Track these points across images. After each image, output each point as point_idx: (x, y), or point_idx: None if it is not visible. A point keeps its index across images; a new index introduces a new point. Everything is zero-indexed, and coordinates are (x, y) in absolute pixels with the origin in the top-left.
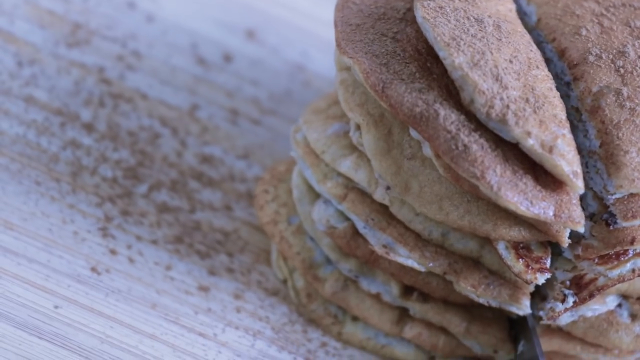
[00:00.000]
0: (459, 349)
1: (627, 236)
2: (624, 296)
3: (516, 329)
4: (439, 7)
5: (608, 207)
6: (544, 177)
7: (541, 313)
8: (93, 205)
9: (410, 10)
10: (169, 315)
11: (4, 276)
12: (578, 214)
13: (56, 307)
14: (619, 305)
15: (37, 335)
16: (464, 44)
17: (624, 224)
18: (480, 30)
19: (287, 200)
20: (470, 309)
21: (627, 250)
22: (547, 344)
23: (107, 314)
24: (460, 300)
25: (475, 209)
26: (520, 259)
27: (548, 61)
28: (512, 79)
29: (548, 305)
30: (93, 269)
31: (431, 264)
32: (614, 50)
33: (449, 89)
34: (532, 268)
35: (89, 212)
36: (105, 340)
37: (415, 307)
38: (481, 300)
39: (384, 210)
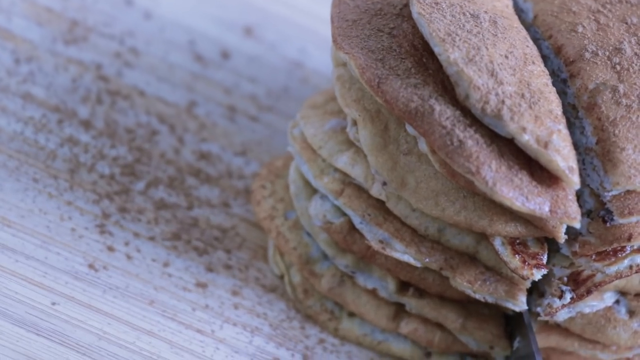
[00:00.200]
0: (455, 345)
1: (624, 233)
2: (622, 292)
3: (512, 325)
4: (434, 3)
5: (605, 204)
6: (540, 172)
7: (539, 309)
8: (91, 202)
9: (406, 6)
10: (166, 312)
11: (1, 273)
12: (574, 209)
13: (54, 303)
14: (617, 302)
15: (35, 332)
16: (460, 39)
17: (621, 220)
18: (476, 25)
19: (284, 196)
20: (466, 305)
21: (625, 246)
22: (545, 340)
23: (105, 311)
24: (457, 296)
25: (472, 204)
26: (516, 255)
27: (544, 58)
28: (507, 74)
29: (545, 302)
30: (91, 266)
31: (427, 260)
32: (611, 47)
33: (445, 85)
34: (529, 264)
35: (87, 209)
36: (102, 336)
37: (411, 302)
38: (477, 296)
39: (380, 205)
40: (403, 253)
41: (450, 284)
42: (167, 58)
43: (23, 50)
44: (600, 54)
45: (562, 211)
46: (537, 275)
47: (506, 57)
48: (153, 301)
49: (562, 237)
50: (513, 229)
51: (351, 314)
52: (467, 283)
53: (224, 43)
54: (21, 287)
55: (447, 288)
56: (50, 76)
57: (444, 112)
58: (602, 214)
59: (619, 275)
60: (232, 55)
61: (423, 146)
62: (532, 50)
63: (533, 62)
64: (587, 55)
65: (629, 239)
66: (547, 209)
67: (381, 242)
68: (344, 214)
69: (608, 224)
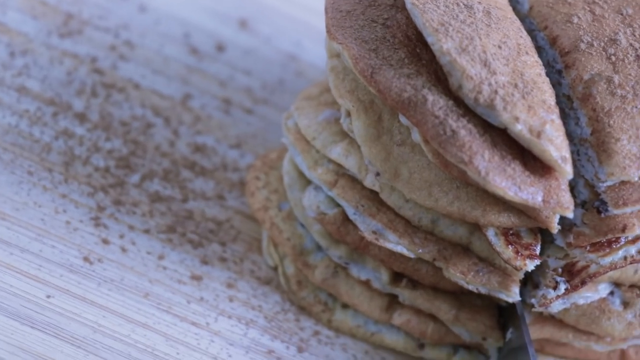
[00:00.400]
0: (448, 336)
1: (618, 224)
2: (616, 284)
3: (505, 316)
4: None
5: (599, 194)
6: (533, 162)
7: (533, 300)
8: (85, 195)
9: None
10: (161, 305)
11: None
12: (567, 199)
13: (48, 296)
14: (611, 293)
15: (30, 324)
16: (453, 29)
17: (615, 211)
18: (469, 16)
19: (278, 187)
20: (459, 296)
21: (619, 237)
22: (539, 331)
23: (100, 304)
24: (450, 287)
25: (465, 195)
26: (509, 246)
27: (540, 49)
28: (500, 64)
29: (540, 293)
30: (85, 259)
31: (420, 250)
32: (606, 38)
33: (438, 75)
34: (522, 254)
35: (82, 201)
36: (97, 329)
37: (404, 293)
38: (470, 287)
39: (374, 196)
40: (396, 244)
41: (443, 275)
42: (162, 51)
43: (18, 43)
44: (595, 44)
45: (555, 201)
46: (530, 265)
47: (499, 47)
48: (148, 294)
49: (555, 228)
50: (506, 219)
51: (344, 306)
52: (460, 274)
53: (219, 36)
54: (16, 280)
55: (441, 279)
56: (45, 69)
57: (436, 102)
58: (597, 205)
59: (613, 266)
60: (227, 48)
61: (416, 136)
62: (526, 40)
63: (527, 53)
64: (583, 46)
65: (624, 229)
66: (540, 198)
67: (374, 232)
68: (338, 205)
69: (602, 215)
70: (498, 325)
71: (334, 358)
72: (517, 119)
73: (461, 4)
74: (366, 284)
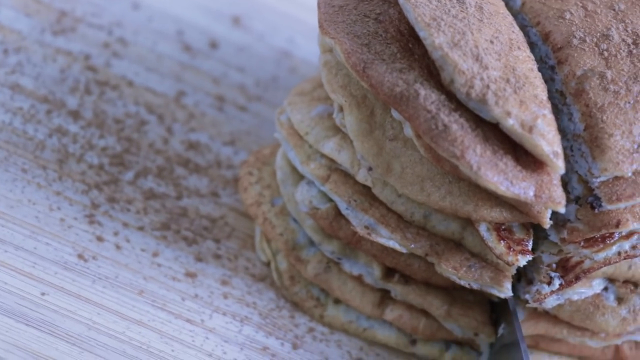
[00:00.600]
0: (440, 332)
1: (612, 219)
2: (610, 279)
3: (497, 312)
4: None
5: (593, 190)
6: (525, 157)
7: (527, 296)
8: (79, 192)
9: None
10: (156, 302)
11: None
12: (559, 194)
13: (43, 294)
14: (605, 289)
15: (25, 322)
16: (445, 24)
17: (609, 207)
18: (461, 11)
19: (270, 183)
20: (451, 292)
21: (613, 233)
22: (534, 327)
23: (94, 301)
24: (442, 282)
25: (457, 190)
26: (501, 241)
27: (532, 45)
28: (492, 59)
29: (534, 288)
30: (80, 256)
31: (413, 246)
32: (598, 34)
33: (430, 70)
34: (514, 250)
35: (76, 199)
36: (92, 327)
37: (396, 289)
38: (462, 283)
39: (366, 191)
40: (388, 239)
41: (435, 271)
42: (156, 48)
43: (11, 41)
44: (588, 40)
45: (547, 196)
46: (522, 261)
47: (491, 42)
48: (142, 291)
49: (547, 223)
50: (498, 214)
51: (337, 301)
52: (452, 269)
53: (212, 33)
54: (10, 278)
55: (433, 274)
56: (38, 67)
57: (429, 97)
58: (591, 201)
59: (607, 262)
60: (221, 45)
61: (408, 131)
62: (518, 36)
63: (519, 48)
64: (575, 41)
65: (617, 225)
66: (531, 193)
67: (367, 227)
68: (330, 200)
69: (596, 210)
70: (490, 321)
71: (328, 354)
72: (508, 113)
73: None
74: (358, 279)
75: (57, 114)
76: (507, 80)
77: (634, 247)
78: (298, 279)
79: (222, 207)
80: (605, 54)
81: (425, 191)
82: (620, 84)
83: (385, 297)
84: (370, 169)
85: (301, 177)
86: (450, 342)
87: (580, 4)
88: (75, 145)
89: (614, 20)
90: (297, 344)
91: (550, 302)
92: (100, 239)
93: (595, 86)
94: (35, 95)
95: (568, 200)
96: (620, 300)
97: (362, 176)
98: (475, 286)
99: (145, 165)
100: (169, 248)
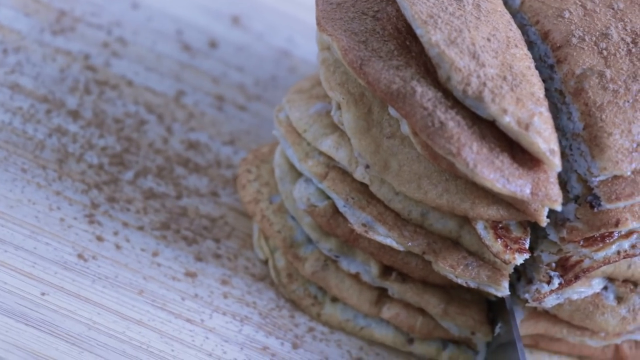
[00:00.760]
0: (437, 331)
1: (611, 218)
2: (610, 279)
3: (494, 311)
4: None
5: (592, 189)
6: (521, 155)
7: (526, 295)
8: (79, 192)
9: None
10: (156, 302)
11: None
12: (555, 192)
13: (43, 294)
14: (605, 288)
15: (24, 322)
16: (442, 21)
17: (608, 206)
18: (458, 8)
19: (269, 180)
20: (448, 290)
21: (612, 232)
22: (533, 327)
23: (94, 301)
24: (439, 281)
25: (454, 187)
26: (498, 239)
27: (531, 44)
28: (489, 57)
29: (534, 287)
30: (80, 256)
31: (410, 244)
32: (597, 33)
33: (427, 67)
34: (511, 248)
35: (76, 199)
36: (92, 326)
37: (393, 287)
38: (459, 281)
39: (364, 189)
40: (386, 236)
41: (433, 269)
42: (155, 48)
43: (11, 40)
44: (587, 39)
45: (543, 193)
46: (519, 259)
47: (488, 39)
48: (142, 291)
49: (544, 221)
50: (495, 212)
51: (334, 300)
52: (449, 267)
53: (211, 32)
54: (10, 278)
55: (430, 273)
56: (38, 66)
57: (425, 94)
58: (590, 200)
59: (606, 261)
60: (220, 45)
61: (405, 128)
62: (516, 33)
63: (516, 46)
64: (574, 40)
65: (617, 224)
66: (528, 191)
67: (364, 225)
68: (328, 198)
69: (595, 210)
70: (487, 320)
71: (328, 354)
72: (505, 111)
73: None
74: (356, 277)
75: (56, 114)
76: (504, 78)
77: (633, 246)
78: (296, 276)
79: (221, 207)
80: (605, 52)
81: (422, 189)
82: (620, 82)
83: (382, 295)
84: (367, 166)
85: (299, 174)
86: (447, 341)
87: (580, 3)
88: (74, 145)
89: (613, 19)
90: (297, 344)
91: (550, 302)
92: (100, 238)
93: (594, 85)
94: (34, 95)
95: (567, 200)
96: (619, 299)
97: (359, 174)
98: (472, 285)
99: (145, 165)
100: (169, 248)
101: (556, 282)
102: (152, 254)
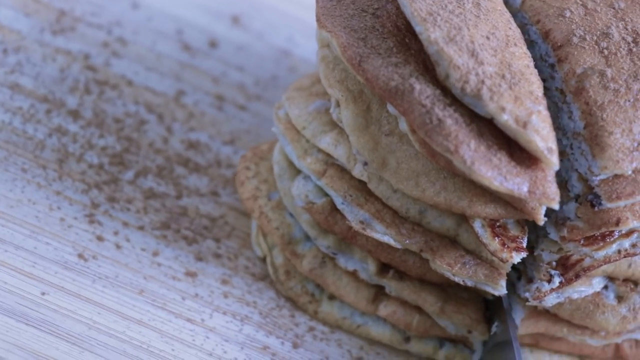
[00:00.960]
0: (433, 329)
1: (612, 217)
2: (610, 278)
3: (491, 310)
4: None
5: (593, 188)
6: (519, 153)
7: (527, 294)
8: (79, 192)
9: None
10: (156, 301)
11: None
12: (553, 190)
13: (43, 293)
14: (605, 287)
15: (25, 322)
16: (441, 19)
17: (609, 205)
18: (458, 6)
19: (267, 177)
20: (446, 289)
21: (613, 231)
22: (534, 326)
23: (95, 300)
24: (437, 279)
25: (452, 185)
26: (496, 238)
27: (532, 43)
28: (488, 55)
29: (534, 286)
30: (80, 256)
31: (407, 241)
32: (598, 32)
33: (426, 64)
34: (508, 247)
35: (76, 198)
36: (92, 326)
37: (391, 284)
38: (457, 279)
39: (362, 186)
40: (383, 234)
41: (430, 267)
42: (155, 47)
43: (11, 40)
44: (587, 38)
45: (541, 192)
46: (517, 258)
47: (488, 38)
48: (143, 290)
49: (541, 219)
50: (492, 210)
51: (331, 297)
52: (446, 266)
53: (211, 32)
54: (10, 277)
55: (427, 271)
56: (38, 66)
57: (424, 91)
58: (590, 199)
59: (607, 260)
60: (220, 45)
61: (403, 126)
62: (515, 32)
63: (515, 44)
64: (575, 39)
65: (617, 223)
66: (525, 189)
67: (362, 222)
68: (326, 195)
69: (596, 209)
70: (484, 319)
71: (329, 354)
72: (503, 109)
73: None
74: (353, 274)
75: (56, 114)
76: (503, 76)
77: (633, 246)
78: (294, 273)
79: (222, 207)
80: (605, 52)
81: (420, 186)
82: (620, 82)
83: (379, 293)
84: (365, 163)
85: (298, 171)
86: (444, 339)
87: (580, 2)
88: (75, 144)
89: (614, 19)
90: (298, 343)
91: (550, 301)
92: (100, 238)
93: (595, 84)
94: (34, 94)
95: (568, 199)
96: (620, 298)
97: (357, 171)
98: (469, 283)
99: (145, 165)
100: (169, 247)
101: (557, 280)
102: (153, 254)
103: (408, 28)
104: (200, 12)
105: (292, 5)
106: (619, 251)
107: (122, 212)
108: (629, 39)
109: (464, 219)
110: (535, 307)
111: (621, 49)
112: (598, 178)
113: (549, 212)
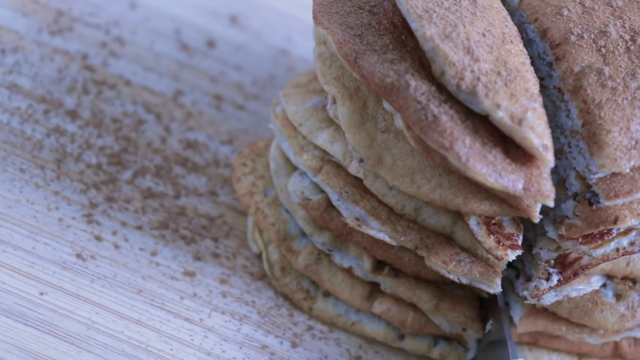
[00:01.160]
0: (428, 326)
1: (610, 215)
2: (609, 276)
3: (486, 308)
4: None
5: (591, 186)
6: (515, 150)
7: (525, 292)
8: (78, 192)
9: None
10: (154, 301)
11: None
12: (548, 187)
13: (42, 294)
14: (604, 285)
15: (23, 322)
16: (437, 16)
17: (607, 203)
18: (454, 3)
19: (264, 174)
20: (441, 286)
21: (611, 229)
22: (532, 324)
23: (93, 300)
24: (432, 276)
25: (447, 182)
26: (491, 235)
27: (530, 41)
28: (484, 52)
29: (533, 284)
30: (78, 256)
31: (403, 238)
32: (596, 30)
33: (422, 61)
34: (503, 244)
35: (74, 198)
36: (91, 326)
37: (386, 281)
38: (452, 277)
39: (358, 183)
40: (379, 231)
41: (425, 264)
42: (153, 47)
43: (8, 41)
44: (585, 37)
45: (536, 189)
46: (512, 255)
47: (484, 35)
48: (141, 290)
49: (536, 217)
50: (487, 207)
51: (326, 294)
52: (441, 263)
53: (209, 32)
54: (9, 278)
55: (423, 268)
56: (36, 67)
57: (419, 88)
58: (588, 197)
59: (605, 258)
60: (218, 44)
61: (399, 122)
62: (511, 30)
63: (511, 42)
64: (573, 38)
65: (615, 221)
66: (520, 186)
67: (357, 219)
68: (322, 191)
69: (594, 207)
70: (479, 317)
71: (327, 353)
72: (498, 106)
73: None
74: (348, 271)
75: (54, 114)
76: (498, 73)
77: (632, 244)
78: (289, 270)
79: (220, 206)
80: (603, 50)
81: (415, 183)
82: (618, 80)
83: (374, 290)
84: (361, 160)
85: (294, 168)
86: (438, 337)
87: (578, 1)
88: (73, 144)
89: (612, 17)
90: (296, 342)
91: (549, 299)
92: (98, 238)
93: (593, 82)
94: (32, 95)
95: (566, 197)
96: (618, 296)
97: (353, 168)
98: (464, 281)
99: (143, 165)
100: (168, 247)
101: (555, 278)
102: (151, 254)
103: (404, 25)
104: (198, 11)
105: (290, 5)
106: (617, 249)
107: (120, 212)
108: (627, 37)
109: (459, 216)
110: (534, 305)
111: (619, 47)
112: (596, 176)
113: (547, 211)
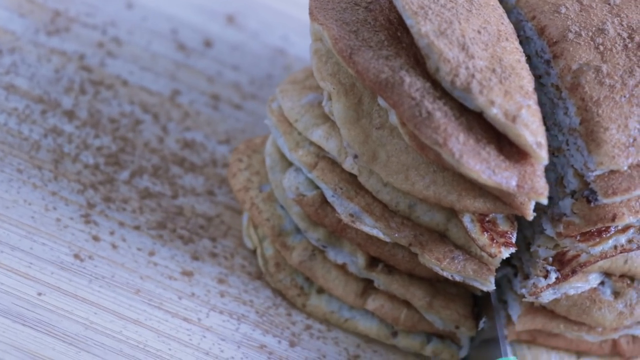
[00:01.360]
0: (421, 324)
1: (608, 213)
2: (607, 274)
3: (479, 306)
4: None
5: (589, 184)
6: (509, 147)
7: (523, 290)
8: (75, 192)
9: None
10: (152, 301)
11: None
12: (541, 185)
13: (40, 294)
14: (602, 283)
15: (21, 322)
16: (432, 13)
17: (605, 200)
18: (450, 1)
19: (259, 170)
20: (434, 284)
21: (609, 227)
22: (531, 322)
23: (91, 300)
24: (425, 274)
25: (441, 179)
26: (485, 232)
27: (528, 39)
28: (479, 49)
29: (531, 282)
30: (76, 256)
31: (397, 235)
32: (594, 28)
33: (417, 58)
34: (497, 242)
35: (71, 199)
36: (89, 326)
37: (379, 278)
38: (445, 274)
39: (353, 180)
40: (372, 227)
41: (419, 262)
42: (150, 47)
43: (5, 41)
44: (583, 34)
45: (529, 186)
46: (505, 253)
47: (479, 32)
48: (139, 290)
49: (530, 214)
50: (481, 204)
51: (320, 291)
52: (435, 260)
53: (206, 31)
54: (7, 278)
55: (416, 265)
56: (33, 67)
57: (414, 84)
58: (586, 194)
59: (603, 256)
60: (215, 44)
61: (393, 118)
62: (507, 27)
63: (507, 39)
64: (571, 36)
65: (613, 219)
66: (514, 183)
67: (351, 215)
68: (317, 187)
69: (592, 204)
70: (472, 315)
71: (325, 352)
72: (492, 102)
73: None
74: (342, 268)
75: (52, 114)
76: (493, 70)
77: (630, 241)
78: (283, 266)
79: (217, 206)
80: (601, 48)
81: (409, 180)
82: (616, 77)
83: (368, 287)
84: (356, 156)
85: (290, 164)
86: (431, 334)
87: None
88: (70, 145)
89: (609, 15)
90: (295, 342)
91: (547, 297)
92: (96, 238)
93: (590, 80)
94: (30, 95)
95: (564, 195)
96: (616, 294)
97: (348, 164)
98: (458, 278)
99: (140, 165)
100: (165, 247)
101: (553, 276)
102: (149, 254)
103: (400, 22)
104: (194, 11)
105: (287, 4)
106: (615, 247)
107: (118, 212)
108: (625, 34)
109: (453, 213)
110: (532, 303)
111: (617, 45)
112: (594, 174)
113: (545, 208)
